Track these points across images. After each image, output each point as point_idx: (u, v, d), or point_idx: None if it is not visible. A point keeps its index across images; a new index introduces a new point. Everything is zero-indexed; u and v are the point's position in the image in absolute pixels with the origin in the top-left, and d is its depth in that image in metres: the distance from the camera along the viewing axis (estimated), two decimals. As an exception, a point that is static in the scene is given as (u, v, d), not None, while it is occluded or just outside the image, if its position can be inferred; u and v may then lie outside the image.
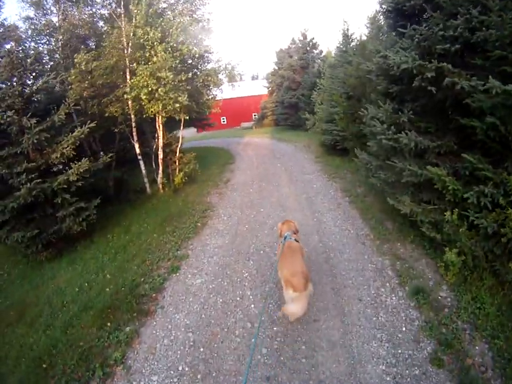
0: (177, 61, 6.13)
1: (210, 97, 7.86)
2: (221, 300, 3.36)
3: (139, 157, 6.80)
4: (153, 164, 7.25)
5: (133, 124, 6.61)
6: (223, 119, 33.39)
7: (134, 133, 6.67)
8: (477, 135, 2.80)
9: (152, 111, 6.21)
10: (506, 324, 2.49)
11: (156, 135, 6.95)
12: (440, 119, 3.31)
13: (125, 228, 5.64)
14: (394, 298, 3.09)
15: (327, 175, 7.10)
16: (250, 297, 3.35)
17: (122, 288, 3.70)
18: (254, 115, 30.51)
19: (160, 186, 7.04)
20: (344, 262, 3.75)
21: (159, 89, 5.74)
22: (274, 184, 7.08)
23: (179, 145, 7.32)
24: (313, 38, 19.39)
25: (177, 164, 7.27)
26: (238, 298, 3.35)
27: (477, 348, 2.43)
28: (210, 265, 4.07)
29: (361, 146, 5.27)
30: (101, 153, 6.50)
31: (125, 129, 6.77)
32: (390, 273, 3.45)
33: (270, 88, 23.08)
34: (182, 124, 7.43)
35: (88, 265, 4.51)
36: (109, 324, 3.15)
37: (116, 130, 6.74)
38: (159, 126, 6.80)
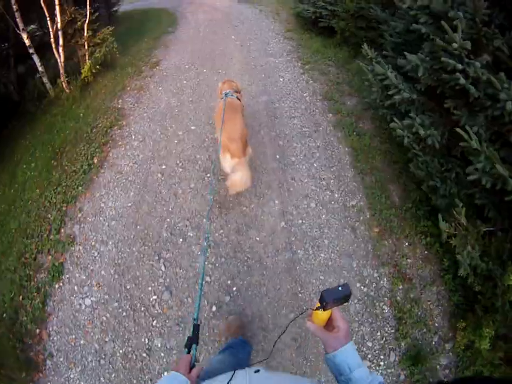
0: None
1: None
2: (121, 351, 2.00)
3: (30, 51, 4.25)
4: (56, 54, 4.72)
5: (14, 7, 3.82)
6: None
7: (18, 19, 3.99)
8: None
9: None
10: None
11: (55, 12, 4.28)
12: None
13: (12, 171, 3.69)
14: (383, 362, 1.91)
15: (301, 63, 4.55)
16: (162, 354, 1.96)
17: (4, 316, 2.31)
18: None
19: (64, 84, 4.57)
20: (319, 272, 2.24)
21: None
22: (221, 72, 4.47)
23: (87, 20, 4.68)
24: None
25: (86, 47, 4.78)
26: (144, 354, 1.97)
27: None
28: (103, 263, 2.45)
29: (357, 33, 3.63)
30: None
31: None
32: (386, 310, 2.12)
33: None
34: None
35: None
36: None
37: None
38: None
